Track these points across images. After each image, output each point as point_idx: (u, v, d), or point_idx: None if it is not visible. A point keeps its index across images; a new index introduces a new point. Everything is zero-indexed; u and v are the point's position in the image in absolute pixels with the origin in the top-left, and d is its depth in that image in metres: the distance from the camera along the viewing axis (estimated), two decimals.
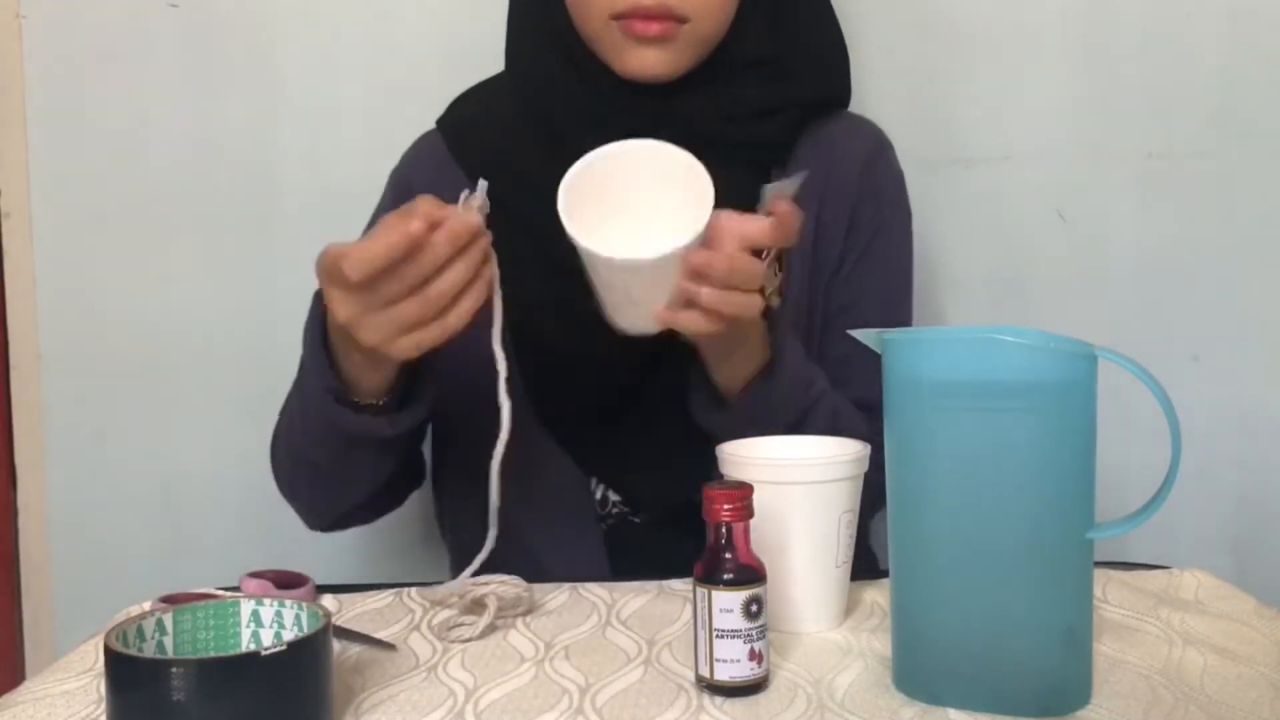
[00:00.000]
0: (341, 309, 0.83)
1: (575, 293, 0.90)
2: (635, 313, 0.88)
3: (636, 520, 1.08)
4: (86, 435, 1.41)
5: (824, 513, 0.82)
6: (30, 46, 1.37)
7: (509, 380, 0.87)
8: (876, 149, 1.13)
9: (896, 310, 1.11)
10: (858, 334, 0.77)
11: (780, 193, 0.89)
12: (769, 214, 0.87)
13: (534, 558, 1.03)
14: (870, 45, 1.37)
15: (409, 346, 0.83)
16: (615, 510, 1.08)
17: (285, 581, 0.90)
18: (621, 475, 1.06)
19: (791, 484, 0.82)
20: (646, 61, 0.99)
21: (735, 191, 1.03)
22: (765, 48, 1.05)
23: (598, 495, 1.07)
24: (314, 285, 1.48)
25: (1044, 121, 1.39)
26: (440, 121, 1.12)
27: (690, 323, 0.86)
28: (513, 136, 1.06)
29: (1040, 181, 1.39)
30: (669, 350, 0.97)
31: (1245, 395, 1.40)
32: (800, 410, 0.96)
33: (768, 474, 0.81)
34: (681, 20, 0.98)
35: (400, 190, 1.10)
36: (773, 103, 1.05)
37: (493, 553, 0.88)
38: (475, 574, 0.87)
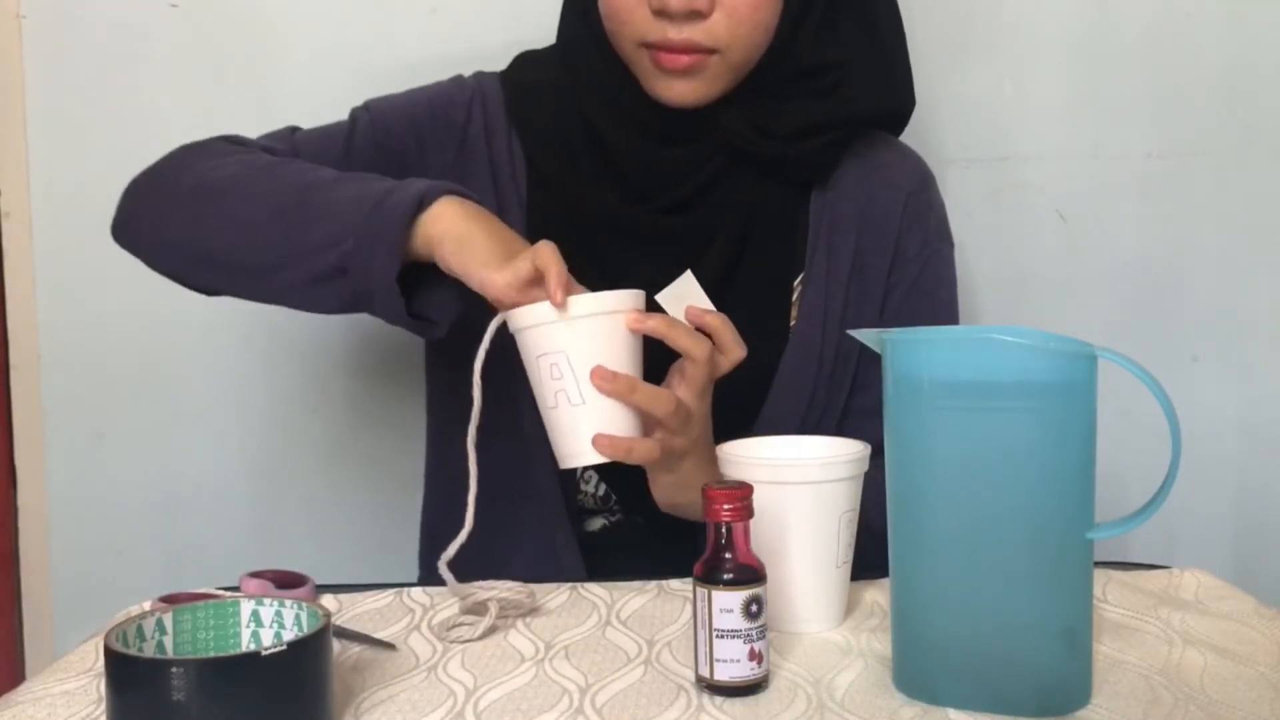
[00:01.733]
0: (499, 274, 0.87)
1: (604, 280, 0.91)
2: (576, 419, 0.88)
3: (635, 520, 1.08)
4: (86, 436, 1.41)
5: (824, 513, 0.82)
6: (30, 46, 1.37)
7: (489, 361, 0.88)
8: (921, 181, 1.12)
9: None
10: (856, 334, 0.77)
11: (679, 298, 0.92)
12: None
13: (504, 556, 1.03)
14: None
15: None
16: (615, 509, 1.08)
17: (285, 581, 0.90)
18: (625, 479, 1.06)
19: (791, 484, 0.82)
20: (676, 91, 0.99)
21: (774, 205, 1.05)
22: (818, 56, 1.02)
23: (600, 492, 1.07)
24: None
25: (1043, 122, 1.39)
26: (504, 77, 1.10)
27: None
28: (566, 117, 1.05)
29: (1040, 182, 1.39)
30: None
31: (1245, 396, 1.40)
32: None
33: (767, 474, 0.81)
34: (711, 51, 0.97)
35: (451, 121, 1.08)
36: (814, 120, 1.03)
37: (464, 547, 0.88)
38: (452, 562, 0.88)
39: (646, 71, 0.99)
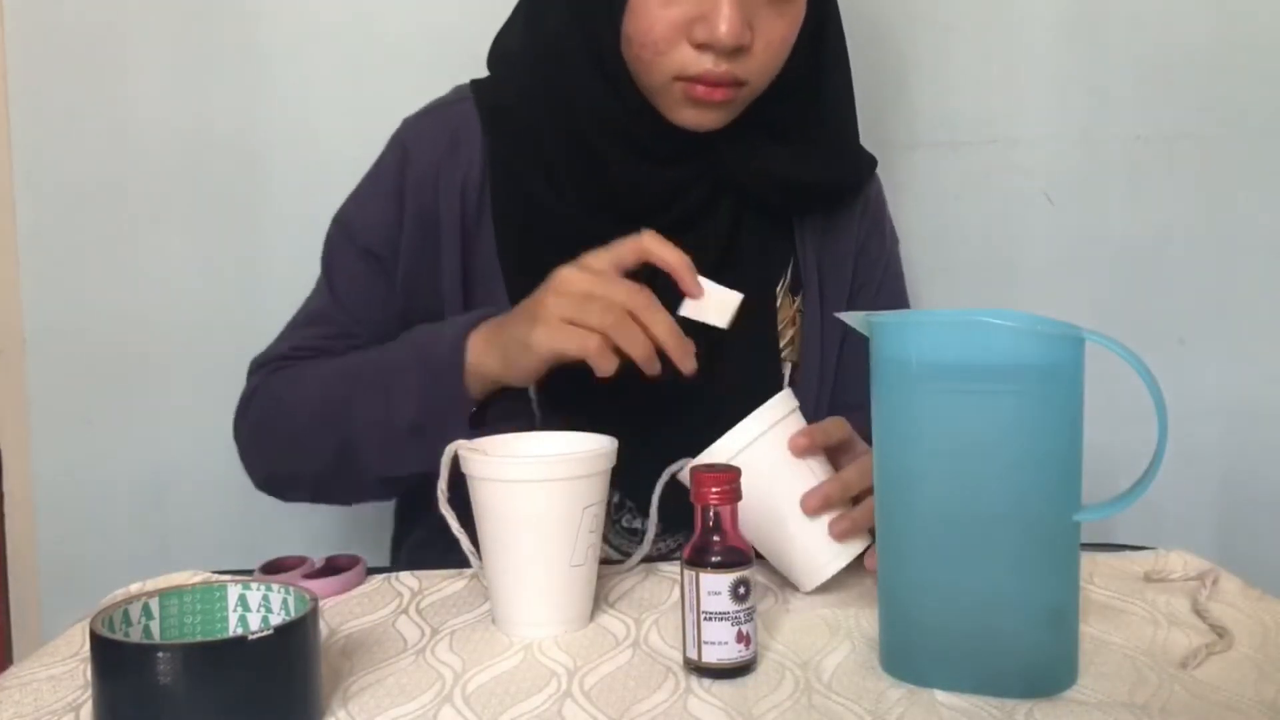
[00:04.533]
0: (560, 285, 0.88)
1: None
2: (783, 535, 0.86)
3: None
4: (73, 421, 1.40)
5: (560, 510, 0.79)
6: (12, 30, 1.36)
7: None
8: (876, 184, 1.16)
9: None
10: (843, 316, 0.77)
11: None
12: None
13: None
14: (858, 27, 1.37)
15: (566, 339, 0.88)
16: (629, 514, 1.07)
17: (341, 565, 0.93)
18: (638, 483, 1.05)
19: (520, 481, 0.79)
20: (703, 119, 0.99)
21: (757, 220, 1.06)
22: (798, 81, 1.04)
23: (613, 498, 1.06)
24: (299, 269, 1.48)
25: (1032, 104, 1.39)
26: (479, 103, 1.08)
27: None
28: (553, 144, 1.03)
29: (1028, 164, 1.39)
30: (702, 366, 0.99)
31: (1231, 378, 1.41)
32: None
33: (493, 471, 0.79)
34: (742, 84, 0.97)
35: (404, 159, 1.08)
36: (797, 176, 1.06)
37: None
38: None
39: (675, 103, 0.98)
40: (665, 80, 0.97)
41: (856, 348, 1.09)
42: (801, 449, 0.86)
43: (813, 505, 0.85)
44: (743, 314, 0.96)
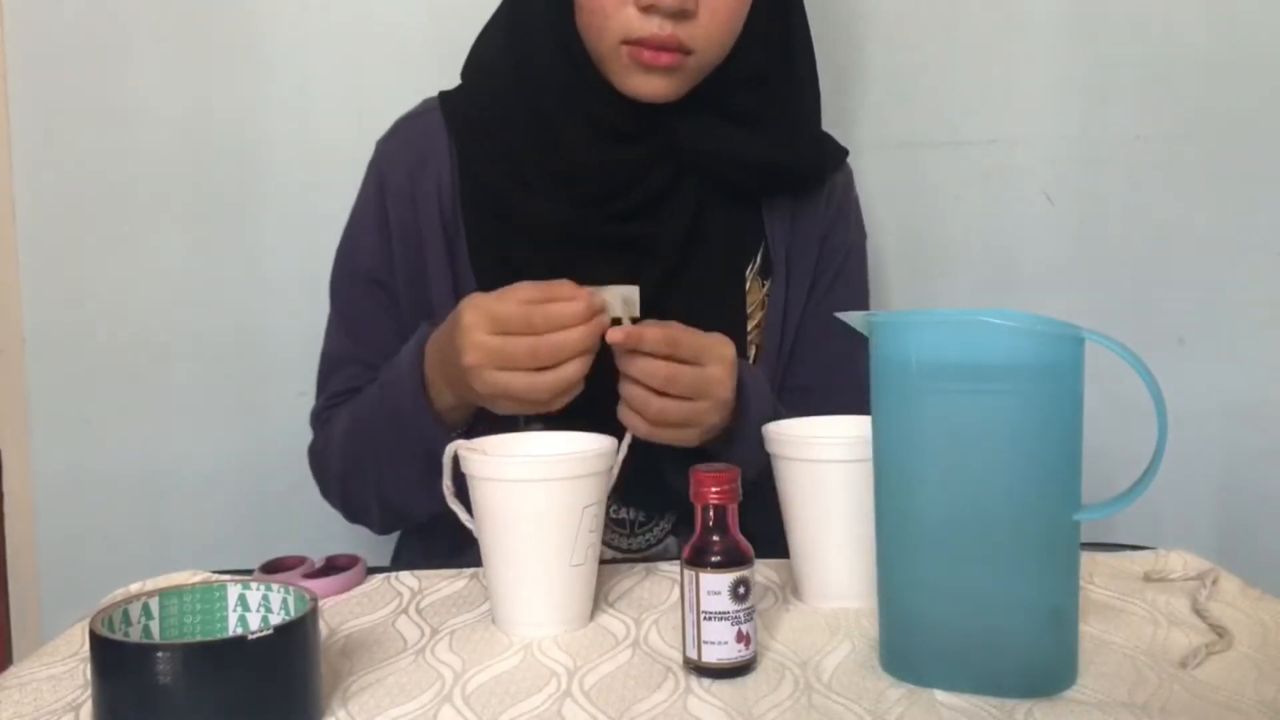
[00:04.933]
0: (472, 355, 0.88)
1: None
2: None
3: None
4: (72, 419, 1.40)
5: (561, 509, 0.79)
6: (12, 27, 1.36)
7: None
8: (845, 175, 1.17)
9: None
10: (845, 316, 0.77)
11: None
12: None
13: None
14: (860, 26, 1.37)
15: (507, 408, 0.90)
16: (610, 506, 1.07)
17: (341, 565, 0.93)
18: (625, 483, 1.06)
19: (527, 481, 0.79)
20: (652, 87, 1.01)
21: (723, 203, 1.07)
22: (754, 66, 1.05)
23: (636, 517, 1.07)
24: (300, 267, 1.48)
25: (1032, 104, 1.39)
26: (448, 114, 1.09)
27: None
28: (521, 138, 1.05)
29: (1028, 164, 1.39)
30: None
31: (1231, 378, 1.41)
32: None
33: (499, 471, 0.79)
34: (688, 53, 0.99)
35: (380, 182, 1.10)
36: (751, 156, 1.06)
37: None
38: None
39: (623, 68, 1.00)
40: (613, 45, 0.99)
41: (815, 334, 1.10)
42: (617, 339, 0.88)
43: (619, 337, 0.87)
44: (707, 288, 1.03)
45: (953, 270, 1.40)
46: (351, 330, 1.11)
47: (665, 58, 0.98)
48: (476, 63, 1.10)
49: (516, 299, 0.88)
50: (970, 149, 1.39)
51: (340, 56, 1.37)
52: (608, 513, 1.06)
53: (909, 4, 1.38)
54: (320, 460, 1.11)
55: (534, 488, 0.79)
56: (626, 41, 0.98)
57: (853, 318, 0.76)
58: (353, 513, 1.11)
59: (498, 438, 0.87)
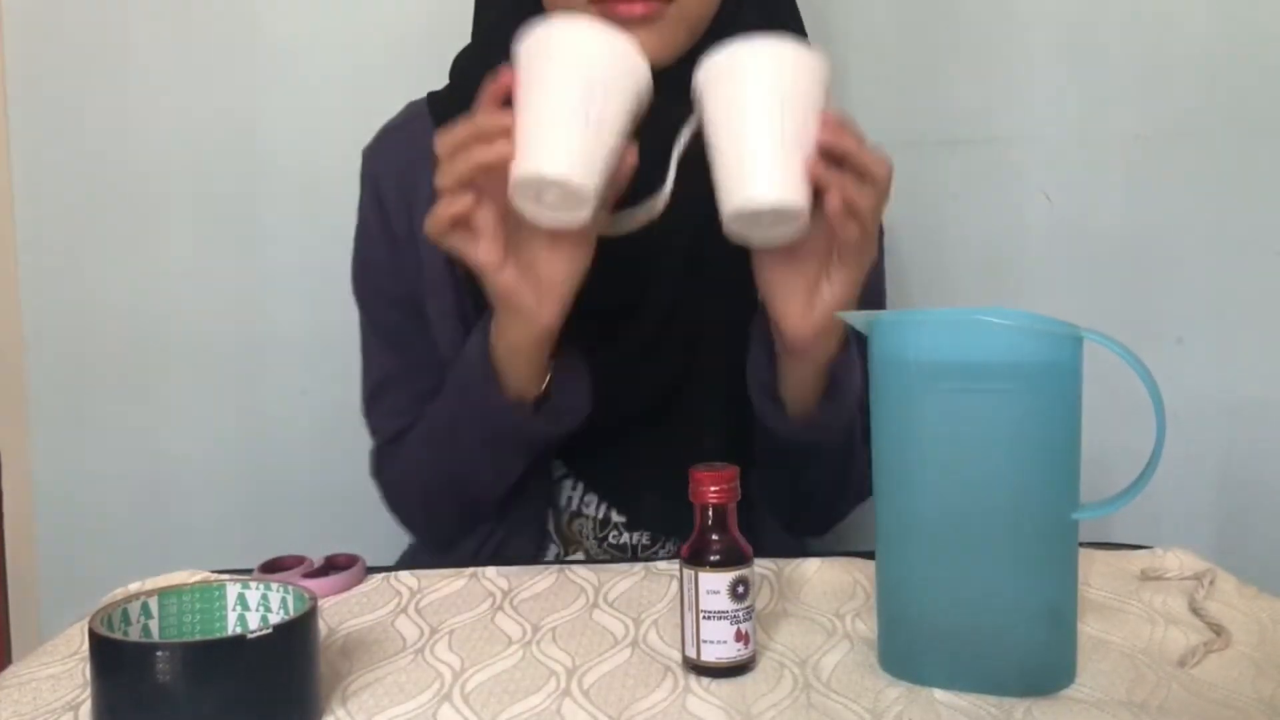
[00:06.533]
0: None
1: (585, 301, 0.89)
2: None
3: (632, 543, 1.07)
4: (71, 418, 1.40)
5: (765, 96, 0.80)
6: (10, 29, 1.36)
7: None
8: None
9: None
10: (846, 316, 0.77)
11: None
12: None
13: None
14: (857, 24, 1.37)
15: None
16: (615, 530, 1.07)
17: (340, 565, 0.93)
18: (628, 496, 1.05)
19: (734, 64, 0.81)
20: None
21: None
22: (756, 20, 0.99)
23: (599, 515, 1.06)
24: (300, 267, 1.48)
25: (1030, 102, 1.39)
26: (436, 114, 1.06)
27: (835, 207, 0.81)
28: None
29: (1026, 163, 1.39)
30: (686, 373, 1.00)
31: (1229, 377, 1.41)
32: (848, 433, 0.97)
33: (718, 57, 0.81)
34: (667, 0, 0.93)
35: (376, 195, 1.08)
36: None
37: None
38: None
39: None
40: (582, 6, 0.92)
41: None
42: (831, 122, 0.81)
43: (831, 124, 0.80)
44: (727, 264, 0.96)
45: (952, 269, 1.40)
46: (397, 349, 1.07)
47: (640, 7, 0.91)
48: (460, 62, 1.07)
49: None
50: (969, 148, 1.39)
51: (340, 56, 1.37)
52: (607, 538, 1.06)
53: (909, 3, 1.38)
54: (401, 487, 1.08)
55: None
56: (593, 0, 0.92)
57: (853, 317, 0.76)
58: (439, 527, 1.08)
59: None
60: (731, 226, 0.83)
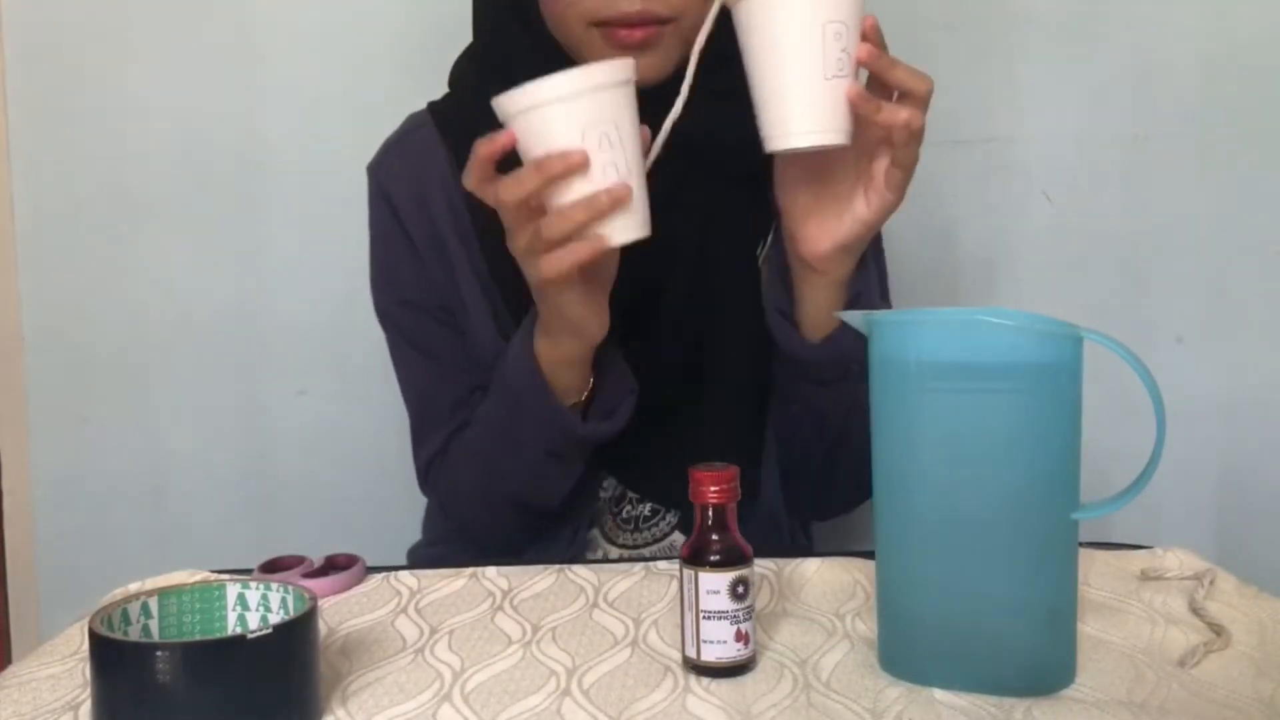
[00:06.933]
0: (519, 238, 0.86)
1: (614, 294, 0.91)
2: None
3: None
4: (71, 419, 1.41)
5: (804, 23, 0.81)
6: (10, 29, 1.36)
7: None
8: None
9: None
10: (844, 315, 0.77)
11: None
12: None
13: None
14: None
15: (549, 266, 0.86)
16: (629, 503, 1.07)
17: (340, 565, 0.93)
18: (645, 476, 1.05)
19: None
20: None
21: (736, 189, 1.03)
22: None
23: (614, 491, 1.06)
24: (300, 267, 1.48)
25: (1031, 103, 1.39)
26: (441, 125, 1.07)
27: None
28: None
29: (1026, 163, 1.39)
30: (703, 361, 1.01)
31: (1229, 377, 1.41)
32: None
33: None
34: (664, 21, 0.94)
35: (391, 209, 1.07)
36: (727, 135, 0.99)
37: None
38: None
39: (598, 53, 0.94)
40: (582, 31, 0.94)
41: None
42: (868, 45, 0.82)
43: (868, 48, 0.82)
44: (727, 268, 1.00)
45: (952, 269, 1.41)
46: (437, 360, 1.06)
47: (639, 33, 0.93)
48: (460, 70, 1.07)
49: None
50: (969, 148, 1.39)
51: (339, 59, 1.38)
52: (620, 513, 1.07)
53: (908, 4, 1.38)
54: (454, 499, 1.08)
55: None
56: (595, 24, 0.93)
57: (853, 317, 0.76)
58: (488, 534, 1.07)
59: None
60: (772, 149, 0.85)
